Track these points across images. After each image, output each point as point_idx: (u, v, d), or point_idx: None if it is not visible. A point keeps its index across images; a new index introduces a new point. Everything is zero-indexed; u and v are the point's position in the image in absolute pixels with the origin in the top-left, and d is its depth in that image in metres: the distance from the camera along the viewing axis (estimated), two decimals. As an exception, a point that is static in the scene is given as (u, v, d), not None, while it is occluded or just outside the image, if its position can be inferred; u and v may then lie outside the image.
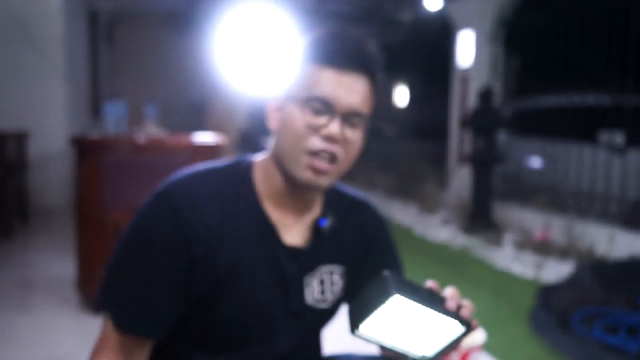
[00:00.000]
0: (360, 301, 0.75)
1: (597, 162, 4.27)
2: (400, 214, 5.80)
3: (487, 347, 2.36)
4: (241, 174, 0.95)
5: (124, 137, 2.59)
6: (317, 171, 0.87)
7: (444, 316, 0.75)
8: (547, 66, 4.83)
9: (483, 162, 4.68)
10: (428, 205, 5.88)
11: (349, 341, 0.97)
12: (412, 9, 7.69)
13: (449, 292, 0.79)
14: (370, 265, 1.03)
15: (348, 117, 0.88)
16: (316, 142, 0.87)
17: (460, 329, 0.76)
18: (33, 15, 4.84)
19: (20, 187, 4.61)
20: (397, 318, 0.72)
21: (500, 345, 2.41)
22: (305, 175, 0.88)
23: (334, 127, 0.86)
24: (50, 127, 4.95)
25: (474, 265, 3.72)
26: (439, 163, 6.74)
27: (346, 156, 0.90)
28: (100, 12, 7.72)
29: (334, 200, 1.03)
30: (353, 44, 0.89)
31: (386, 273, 0.72)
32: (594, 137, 4.31)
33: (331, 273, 1.00)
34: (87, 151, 2.40)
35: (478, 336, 1.65)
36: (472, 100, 5.16)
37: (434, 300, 0.74)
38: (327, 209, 1.01)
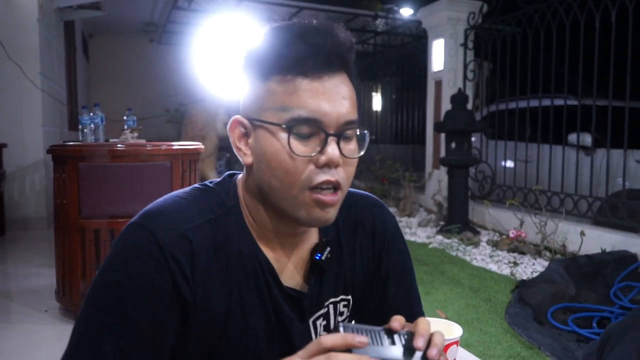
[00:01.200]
0: None
1: (567, 162, 4.40)
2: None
3: (466, 342, 2.43)
4: (229, 204, 0.78)
5: (103, 145, 2.60)
6: (324, 205, 0.73)
7: None
8: (516, 71, 4.97)
9: (457, 165, 4.78)
10: (406, 208, 5.97)
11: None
12: (388, 17, 7.82)
13: (420, 329, 0.65)
14: (381, 284, 0.90)
15: (341, 132, 0.72)
16: (315, 176, 0.72)
17: None
18: (9, 26, 4.80)
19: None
20: None
21: (479, 340, 2.48)
22: (313, 214, 0.74)
23: (333, 151, 0.71)
24: (28, 139, 4.90)
25: (452, 264, 3.80)
26: (417, 166, 6.84)
27: (347, 177, 0.75)
28: (76, 23, 7.68)
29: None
30: (324, 39, 0.71)
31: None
32: (563, 139, 4.43)
33: (336, 304, 0.86)
34: (65, 159, 2.40)
35: (454, 330, 1.71)
36: (447, 105, 5.27)
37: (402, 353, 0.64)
38: (324, 234, 0.85)
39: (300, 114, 0.69)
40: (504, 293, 3.15)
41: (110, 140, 3.12)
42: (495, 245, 4.30)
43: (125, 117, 3.19)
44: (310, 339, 0.77)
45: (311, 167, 0.71)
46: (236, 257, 0.75)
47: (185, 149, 2.53)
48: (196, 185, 0.82)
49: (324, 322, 0.85)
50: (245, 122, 0.75)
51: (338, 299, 0.86)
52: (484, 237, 4.69)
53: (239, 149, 0.77)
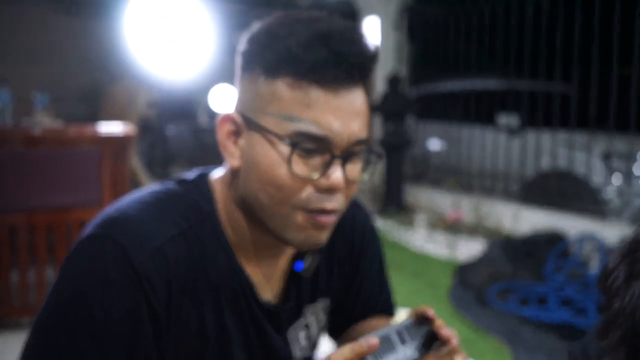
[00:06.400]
0: None
1: (497, 143, 4.52)
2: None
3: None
4: (205, 210, 0.69)
5: (15, 129, 2.28)
6: (319, 226, 0.65)
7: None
8: (447, 52, 5.03)
9: (394, 147, 4.79)
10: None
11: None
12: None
13: (438, 322, 0.66)
14: (357, 284, 0.87)
15: (349, 154, 0.63)
16: (313, 200, 0.63)
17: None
18: None
19: None
20: None
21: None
22: (302, 235, 0.65)
23: (336, 176, 0.62)
24: None
25: (392, 248, 3.79)
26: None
27: (347, 198, 0.67)
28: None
29: None
30: (348, 46, 0.62)
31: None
32: (494, 120, 4.55)
33: (315, 312, 0.81)
34: (-30, 146, 2.07)
35: (402, 317, 1.64)
36: (378, 86, 5.24)
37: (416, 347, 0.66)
38: None
39: (310, 129, 0.60)
40: (445, 276, 3.18)
41: (23, 122, 2.77)
42: (431, 226, 4.35)
43: (36, 95, 2.85)
44: (290, 350, 0.77)
45: (309, 188, 0.63)
46: (214, 273, 0.68)
47: (117, 135, 2.27)
48: (159, 186, 0.71)
49: (306, 333, 0.80)
50: (239, 120, 0.66)
51: (315, 304, 0.81)
52: (420, 218, 4.74)
53: (225, 148, 0.67)
